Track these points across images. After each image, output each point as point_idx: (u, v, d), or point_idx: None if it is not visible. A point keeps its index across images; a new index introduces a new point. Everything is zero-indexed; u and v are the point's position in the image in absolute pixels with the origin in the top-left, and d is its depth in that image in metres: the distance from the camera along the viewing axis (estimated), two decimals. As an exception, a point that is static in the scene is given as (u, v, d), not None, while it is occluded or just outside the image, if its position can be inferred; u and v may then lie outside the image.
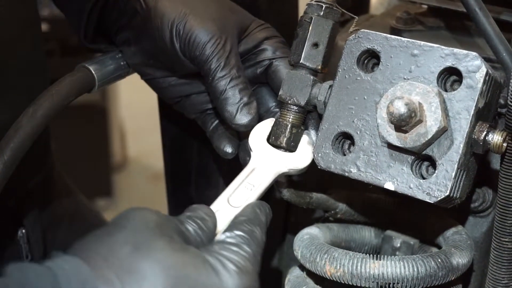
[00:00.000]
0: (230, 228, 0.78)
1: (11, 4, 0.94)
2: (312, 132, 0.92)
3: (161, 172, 1.28)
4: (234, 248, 0.74)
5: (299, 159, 0.89)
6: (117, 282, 0.66)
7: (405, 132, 0.80)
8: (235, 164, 0.96)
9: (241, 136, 0.96)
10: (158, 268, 0.68)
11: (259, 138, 0.90)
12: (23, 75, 0.98)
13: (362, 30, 0.86)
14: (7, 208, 1.03)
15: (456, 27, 1.05)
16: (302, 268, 0.93)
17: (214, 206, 0.83)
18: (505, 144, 0.80)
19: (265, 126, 0.91)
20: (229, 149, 0.95)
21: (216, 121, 0.98)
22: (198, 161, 1.19)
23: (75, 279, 0.65)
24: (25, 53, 0.99)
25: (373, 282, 0.84)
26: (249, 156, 0.89)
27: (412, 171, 0.81)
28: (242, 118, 0.90)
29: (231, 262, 0.73)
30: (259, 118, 0.94)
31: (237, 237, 0.76)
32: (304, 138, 0.91)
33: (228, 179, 1.04)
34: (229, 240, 0.76)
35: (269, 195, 1.15)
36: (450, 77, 0.82)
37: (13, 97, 0.96)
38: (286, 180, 0.92)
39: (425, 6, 1.10)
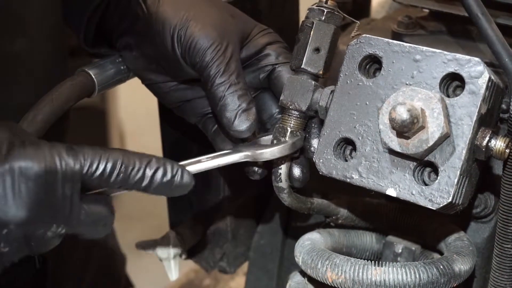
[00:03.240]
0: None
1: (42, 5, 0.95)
2: (314, 138, 0.91)
3: (161, 173, 1.27)
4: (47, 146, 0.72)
5: (265, 150, 0.88)
6: None
7: (407, 138, 0.79)
8: (235, 168, 0.96)
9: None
10: None
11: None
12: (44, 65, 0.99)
13: (364, 35, 0.86)
14: None
15: (457, 31, 1.04)
16: (303, 274, 0.92)
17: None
18: (507, 150, 0.80)
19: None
20: None
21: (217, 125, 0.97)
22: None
23: None
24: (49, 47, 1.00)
25: (374, 288, 0.84)
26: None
27: (414, 177, 0.81)
28: (240, 125, 0.89)
29: (29, 148, 0.71)
30: (262, 124, 0.94)
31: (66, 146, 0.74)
32: (291, 139, 0.89)
33: (228, 184, 1.03)
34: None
35: (270, 200, 1.15)
36: (453, 82, 0.82)
37: (34, 85, 0.96)
38: (287, 186, 0.91)
39: (427, 10, 1.09)
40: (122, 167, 0.75)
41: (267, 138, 0.91)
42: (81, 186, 0.74)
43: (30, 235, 0.72)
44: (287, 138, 0.89)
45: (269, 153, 0.87)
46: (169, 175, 0.77)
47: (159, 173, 0.77)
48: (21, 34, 0.91)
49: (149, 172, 0.76)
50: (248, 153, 0.87)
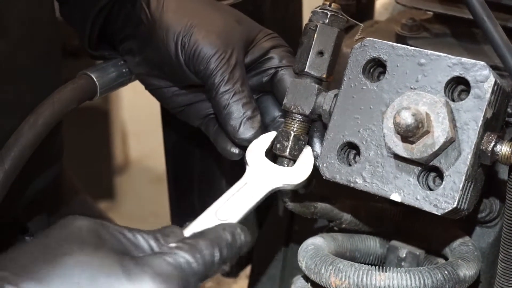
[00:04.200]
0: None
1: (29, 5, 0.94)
2: (317, 142, 0.91)
3: (163, 174, 1.27)
4: (167, 256, 0.70)
5: (295, 174, 0.87)
6: (15, 286, 0.64)
7: (412, 142, 0.79)
8: (238, 170, 0.95)
9: None
10: (58, 270, 0.66)
11: (257, 152, 0.89)
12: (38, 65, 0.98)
13: (368, 38, 0.85)
14: (13, 216, 1.02)
15: (462, 34, 1.03)
16: (306, 278, 0.91)
17: (200, 219, 0.81)
18: (513, 155, 0.79)
19: (265, 140, 0.90)
20: (235, 150, 0.93)
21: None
22: (201, 168, 1.18)
23: None
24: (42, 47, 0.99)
25: (378, 294, 0.83)
26: (245, 169, 0.87)
27: (419, 182, 0.80)
28: (245, 132, 0.89)
29: (151, 267, 0.68)
30: (264, 127, 0.93)
31: (179, 245, 0.72)
32: (305, 153, 0.89)
33: (231, 186, 1.03)
34: (169, 246, 0.72)
35: (273, 204, 1.14)
36: (458, 86, 0.81)
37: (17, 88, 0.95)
38: (290, 190, 0.90)
39: (431, 13, 1.08)
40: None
41: (262, 137, 0.90)
42: None
43: None
44: (290, 142, 0.88)
45: (303, 176, 0.87)
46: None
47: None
48: (1, 37, 0.90)
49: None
50: (278, 184, 0.86)
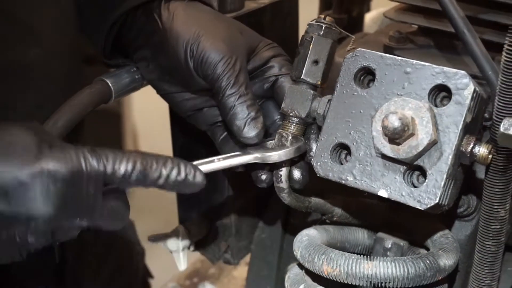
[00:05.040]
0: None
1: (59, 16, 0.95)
2: (312, 143, 0.90)
3: (171, 171, 1.26)
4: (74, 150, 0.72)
5: (273, 153, 0.87)
6: None
7: (398, 144, 0.78)
8: (239, 172, 0.95)
9: None
10: None
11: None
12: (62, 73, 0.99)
13: (359, 49, 0.84)
14: None
15: (444, 45, 1.03)
16: (301, 266, 0.91)
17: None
18: (490, 156, 0.79)
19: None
20: None
21: (225, 133, 0.96)
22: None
23: None
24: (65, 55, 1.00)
25: (366, 281, 0.82)
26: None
27: (404, 180, 0.80)
28: (249, 132, 0.88)
29: (57, 152, 0.70)
30: (266, 130, 0.93)
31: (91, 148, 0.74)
32: (294, 143, 0.88)
33: (232, 184, 1.02)
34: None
35: (271, 199, 1.14)
36: (440, 93, 0.80)
37: (48, 92, 0.96)
38: (287, 186, 0.90)
39: (416, 26, 1.08)
40: (141, 167, 0.75)
41: (271, 142, 0.90)
42: (103, 184, 0.73)
43: (55, 228, 0.72)
44: (288, 143, 0.88)
45: (277, 155, 0.86)
46: (183, 174, 0.77)
47: (174, 172, 0.76)
48: (35, 45, 0.90)
49: (164, 172, 0.76)
50: (257, 155, 0.86)
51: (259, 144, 0.90)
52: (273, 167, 0.90)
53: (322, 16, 0.89)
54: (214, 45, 0.89)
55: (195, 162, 0.81)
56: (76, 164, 0.71)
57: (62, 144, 0.73)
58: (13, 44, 0.88)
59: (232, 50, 0.89)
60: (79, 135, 1.11)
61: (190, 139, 1.13)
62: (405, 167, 0.80)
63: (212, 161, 0.84)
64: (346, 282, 0.84)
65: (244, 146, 0.91)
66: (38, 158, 0.69)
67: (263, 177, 0.91)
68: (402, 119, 0.75)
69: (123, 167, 0.74)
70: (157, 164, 0.76)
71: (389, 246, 0.93)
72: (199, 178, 0.78)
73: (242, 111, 0.88)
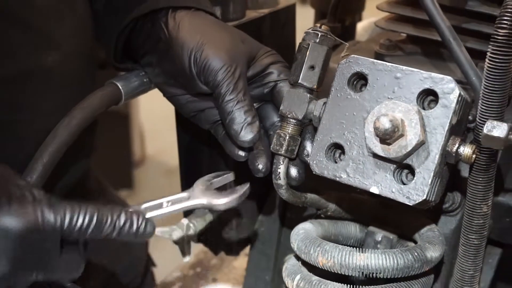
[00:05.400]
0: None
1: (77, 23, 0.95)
2: (308, 143, 0.90)
3: (175, 167, 1.27)
4: (31, 204, 0.69)
5: (219, 201, 0.88)
6: None
7: (389, 144, 0.78)
8: (241, 167, 0.95)
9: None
10: None
11: (203, 181, 0.91)
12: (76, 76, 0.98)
13: (353, 55, 0.85)
14: None
15: (431, 53, 1.03)
16: (298, 258, 0.91)
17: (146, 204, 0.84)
18: (474, 156, 0.79)
19: (212, 176, 0.92)
20: (241, 153, 0.93)
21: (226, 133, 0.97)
22: (209, 164, 1.17)
23: None
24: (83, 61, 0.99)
25: (358, 271, 0.83)
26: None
27: (394, 177, 0.80)
28: (246, 136, 0.88)
29: (15, 206, 0.68)
30: (264, 130, 0.93)
31: (48, 199, 0.72)
32: (238, 188, 0.89)
33: (234, 180, 1.02)
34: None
35: (270, 195, 1.14)
36: (428, 97, 0.81)
37: (66, 94, 0.96)
38: (285, 183, 0.90)
39: (405, 34, 1.08)
40: (96, 222, 0.74)
41: (221, 179, 0.92)
42: (60, 237, 0.72)
43: (12, 284, 0.70)
44: (237, 191, 0.88)
45: (223, 205, 0.87)
46: (134, 227, 0.77)
47: (127, 225, 0.76)
48: (54, 50, 0.90)
49: (118, 225, 0.76)
50: (204, 202, 0.87)
51: (253, 148, 0.91)
52: (272, 160, 0.90)
53: (318, 25, 0.89)
54: (216, 54, 0.89)
55: (144, 205, 0.83)
56: (33, 220, 0.69)
57: (21, 196, 0.70)
58: (32, 51, 0.88)
59: (233, 58, 0.90)
60: (92, 133, 1.11)
61: (194, 138, 1.13)
62: (395, 166, 0.80)
63: (161, 206, 0.84)
64: (339, 273, 0.84)
65: (242, 148, 0.92)
66: None
67: (260, 166, 0.91)
68: (392, 121, 0.76)
69: (79, 222, 0.72)
70: (111, 218, 0.75)
71: (380, 239, 0.93)
72: (149, 229, 0.78)
73: (239, 116, 0.88)
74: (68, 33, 0.92)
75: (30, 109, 0.89)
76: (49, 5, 0.89)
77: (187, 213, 1.20)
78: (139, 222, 0.77)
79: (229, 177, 0.94)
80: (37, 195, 0.72)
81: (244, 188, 0.89)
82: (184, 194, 0.88)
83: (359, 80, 0.85)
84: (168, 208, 0.85)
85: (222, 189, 0.90)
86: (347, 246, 0.85)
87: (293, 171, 0.91)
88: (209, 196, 0.88)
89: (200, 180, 0.91)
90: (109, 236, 0.75)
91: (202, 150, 1.13)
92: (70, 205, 0.73)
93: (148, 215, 0.83)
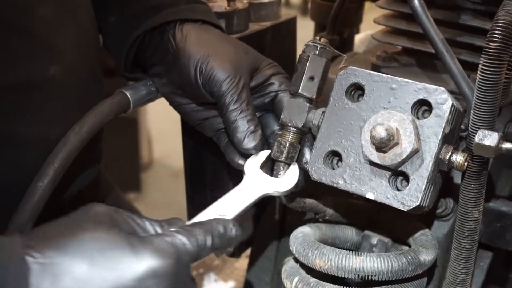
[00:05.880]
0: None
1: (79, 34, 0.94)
2: (307, 150, 0.90)
3: (180, 171, 1.26)
4: (167, 237, 0.69)
5: (282, 184, 0.86)
6: (39, 252, 0.64)
7: (384, 152, 0.78)
8: (241, 173, 0.94)
9: None
10: (75, 242, 0.65)
11: (253, 164, 0.88)
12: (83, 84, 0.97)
13: (350, 67, 0.84)
14: (60, 208, 1.01)
15: (425, 64, 1.03)
16: (296, 260, 0.91)
17: (203, 213, 0.81)
18: (466, 163, 0.79)
19: (261, 156, 0.89)
20: (241, 161, 0.92)
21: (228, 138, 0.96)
22: (212, 168, 1.17)
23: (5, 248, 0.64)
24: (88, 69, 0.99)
25: (354, 274, 0.82)
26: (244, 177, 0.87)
27: (389, 184, 0.79)
28: (248, 144, 0.88)
29: (152, 244, 0.67)
30: (265, 138, 0.93)
31: (178, 230, 0.71)
32: (292, 168, 0.88)
33: (236, 184, 1.02)
34: (170, 230, 0.71)
35: (269, 199, 1.13)
36: (422, 107, 0.80)
37: (68, 103, 0.95)
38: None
39: (400, 47, 1.08)
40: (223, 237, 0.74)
41: (259, 154, 0.89)
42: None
43: None
44: (286, 149, 0.87)
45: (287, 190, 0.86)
46: (234, 233, 0.76)
47: (233, 230, 0.77)
48: (56, 60, 0.90)
49: (231, 235, 0.76)
50: (270, 191, 0.85)
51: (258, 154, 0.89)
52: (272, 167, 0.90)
53: (318, 38, 0.89)
54: (221, 65, 0.89)
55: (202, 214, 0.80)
56: (177, 256, 0.68)
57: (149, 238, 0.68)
58: (33, 61, 0.87)
59: (237, 70, 0.89)
60: (101, 139, 1.10)
61: (199, 144, 1.13)
62: (390, 173, 0.79)
63: (220, 212, 0.81)
64: (336, 275, 0.83)
65: (245, 155, 0.91)
66: (137, 257, 0.65)
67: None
68: (388, 130, 0.75)
69: (209, 241, 0.72)
70: (224, 229, 0.74)
71: (375, 242, 0.92)
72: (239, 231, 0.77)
73: (242, 125, 0.88)
74: (70, 43, 0.91)
75: (31, 118, 0.88)
76: (50, 16, 0.88)
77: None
78: (235, 229, 0.76)
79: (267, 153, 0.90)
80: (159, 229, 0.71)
81: (295, 167, 0.87)
82: (237, 189, 0.85)
83: (357, 91, 0.85)
84: (239, 206, 0.82)
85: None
86: (344, 249, 0.85)
87: (293, 177, 0.89)
88: (267, 183, 0.86)
89: (249, 167, 0.87)
90: (230, 244, 0.75)
91: (206, 154, 1.13)
92: (200, 226, 0.72)
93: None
